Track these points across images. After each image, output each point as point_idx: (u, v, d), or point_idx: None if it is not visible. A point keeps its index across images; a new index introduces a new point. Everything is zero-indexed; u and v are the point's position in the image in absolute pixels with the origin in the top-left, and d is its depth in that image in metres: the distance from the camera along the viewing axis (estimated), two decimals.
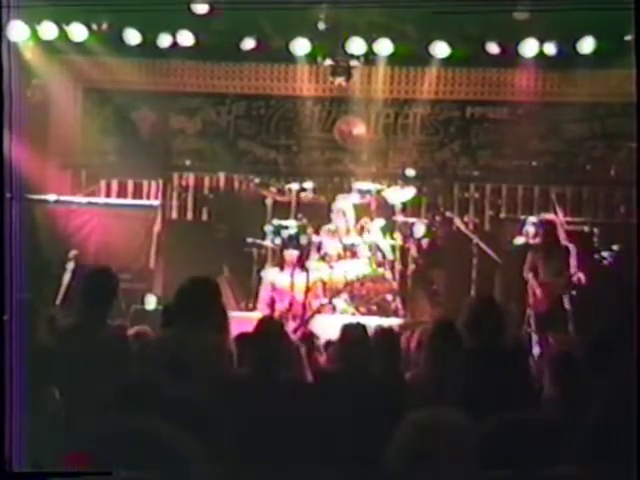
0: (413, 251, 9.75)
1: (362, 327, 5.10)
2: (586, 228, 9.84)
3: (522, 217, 10.11)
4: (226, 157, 11.52)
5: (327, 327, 7.34)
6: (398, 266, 9.61)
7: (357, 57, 10.49)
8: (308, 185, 10.09)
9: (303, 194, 10.06)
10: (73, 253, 9.28)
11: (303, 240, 9.50)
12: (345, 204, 9.77)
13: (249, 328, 5.09)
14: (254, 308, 9.54)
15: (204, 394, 4.38)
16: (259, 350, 4.64)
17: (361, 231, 9.60)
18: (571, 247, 8.88)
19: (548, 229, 9.03)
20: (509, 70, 10.80)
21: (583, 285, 8.71)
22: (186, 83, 11.39)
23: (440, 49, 10.39)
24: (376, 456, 2.55)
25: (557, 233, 8.96)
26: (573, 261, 8.80)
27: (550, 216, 9.28)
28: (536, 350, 8.35)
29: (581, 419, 2.73)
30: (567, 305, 8.69)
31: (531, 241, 9.18)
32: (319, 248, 9.50)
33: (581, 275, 8.74)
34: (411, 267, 9.74)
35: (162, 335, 5.27)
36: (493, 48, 10.36)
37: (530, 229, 9.58)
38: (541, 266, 8.90)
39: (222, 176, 11.48)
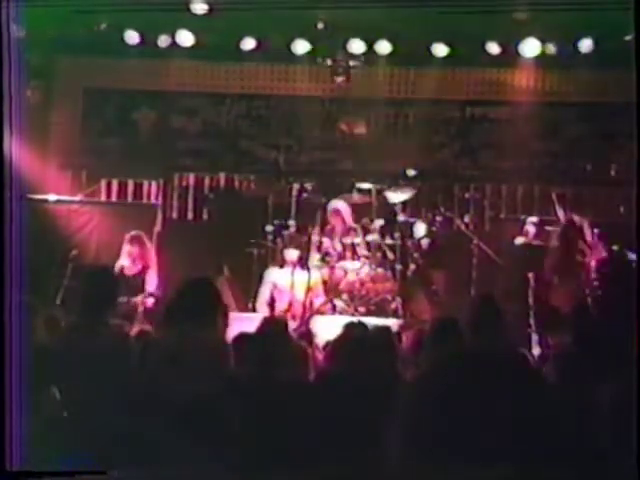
0: (413, 251, 9.75)
1: (362, 327, 5.10)
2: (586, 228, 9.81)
3: (522, 217, 10.12)
4: (226, 157, 11.53)
5: (327, 327, 7.34)
6: (398, 266, 9.60)
7: (357, 57, 10.50)
8: (308, 185, 10.09)
9: (303, 194, 10.06)
10: (73, 253, 9.27)
11: (303, 240, 9.52)
12: (340, 203, 9.76)
13: (249, 328, 5.09)
14: (254, 308, 9.54)
15: (205, 393, 4.39)
16: (262, 349, 4.65)
17: (361, 231, 9.60)
18: (591, 249, 8.82)
19: (568, 230, 8.97)
20: (509, 70, 10.81)
21: (598, 286, 8.65)
22: (186, 83, 11.39)
23: (440, 49, 10.40)
24: (376, 455, 2.55)
25: (578, 234, 8.90)
26: (592, 263, 8.74)
27: (575, 217, 9.18)
28: (536, 350, 8.34)
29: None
30: (584, 306, 8.63)
31: (554, 242, 9.06)
32: (319, 248, 9.50)
33: (598, 276, 8.67)
34: (411, 267, 9.73)
35: (162, 335, 5.27)
36: (493, 48, 10.37)
37: (531, 229, 9.58)
38: (559, 266, 8.84)
39: (222, 176, 11.49)
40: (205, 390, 4.44)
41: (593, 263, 8.80)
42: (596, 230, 9.49)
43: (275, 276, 9.53)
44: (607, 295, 8.52)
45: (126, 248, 8.90)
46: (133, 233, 9.01)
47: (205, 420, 4.24)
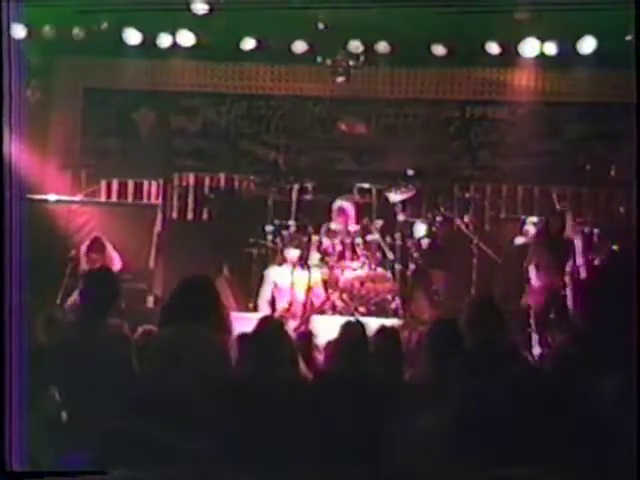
0: (413, 251, 9.75)
1: (362, 327, 5.10)
2: (586, 228, 9.83)
3: (522, 217, 10.13)
4: (226, 157, 11.52)
5: (327, 327, 7.34)
6: (398, 266, 9.61)
7: (357, 57, 10.49)
8: (308, 185, 10.09)
9: (303, 194, 10.06)
10: (73, 253, 9.27)
11: (303, 240, 9.52)
12: (345, 203, 9.78)
13: (249, 328, 5.09)
14: (254, 308, 9.55)
15: (204, 393, 4.39)
16: (260, 349, 4.65)
17: (361, 231, 9.60)
18: (576, 243, 8.91)
19: (553, 224, 9.05)
20: (509, 70, 10.81)
21: (583, 283, 8.72)
22: (186, 83, 11.39)
23: (440, 49, 10.40)
24: (375, 455, 2.56)
25: (562, 229, 8.97)
26: (576, 258, 8.82)
27: (558, 212, 9.28)
28: (536, 350, 8.36)
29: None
30: (567, 303, 8.70)
31: (533, 239, 9.19)
32: (319, 248, 9.50)
33: (582, 272, 8.75)
34: (411, 267, 9.74)
35: (161, 334, 5.27)
36: (493, 48, 10.37)
37: (531, 228, 9.60)
38: (542, 261, 8.91)
39: (222, 176, 11.48)
40: (203, 389, 4.44)
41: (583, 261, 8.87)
42: (595, 230, 9.52)
43: (275, 276, 9.54)
44: (606, 294, 8.54)
45: (84, 252, 8.92)
46: (92, 237, 9.07)
47: (203, 419, 4.24)
